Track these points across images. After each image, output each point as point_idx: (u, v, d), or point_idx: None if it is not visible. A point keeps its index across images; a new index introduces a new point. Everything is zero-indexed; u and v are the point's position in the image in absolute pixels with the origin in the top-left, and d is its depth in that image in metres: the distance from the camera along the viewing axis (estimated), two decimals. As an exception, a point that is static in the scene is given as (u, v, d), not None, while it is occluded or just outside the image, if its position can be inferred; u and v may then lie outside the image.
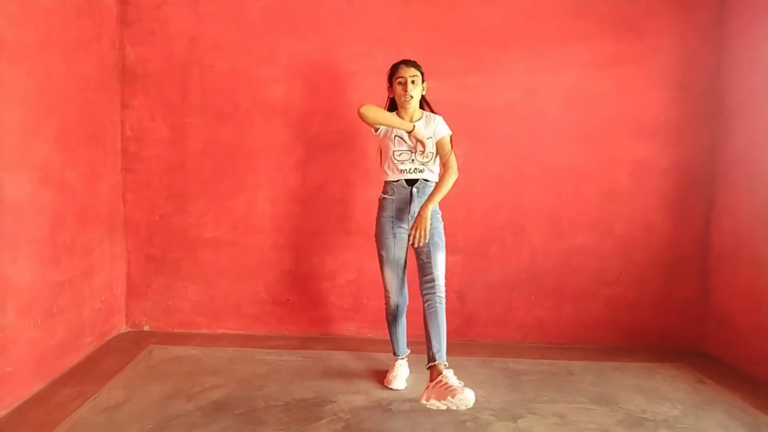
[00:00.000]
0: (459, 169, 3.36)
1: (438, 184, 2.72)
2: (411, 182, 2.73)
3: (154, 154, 3.56)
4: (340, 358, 3.22)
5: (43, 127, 2.74)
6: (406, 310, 2.90)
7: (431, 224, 2.65)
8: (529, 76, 3.48)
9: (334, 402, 2.64)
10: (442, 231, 2.76)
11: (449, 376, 2.41)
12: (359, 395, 2.73)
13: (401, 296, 2.84)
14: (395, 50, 3.13)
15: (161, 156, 3.56)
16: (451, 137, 2.78)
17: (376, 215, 2.83)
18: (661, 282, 3.53)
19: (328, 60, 3.50)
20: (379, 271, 2.84)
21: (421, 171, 2.74)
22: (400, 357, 2.94)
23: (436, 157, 2.76)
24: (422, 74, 2.74)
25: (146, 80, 3.53)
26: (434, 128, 2.76)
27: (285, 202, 3.58)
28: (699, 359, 3.34)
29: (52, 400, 2.58)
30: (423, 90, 2.78)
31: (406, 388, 2.83)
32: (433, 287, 2.63)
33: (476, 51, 3.48)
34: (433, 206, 2.65)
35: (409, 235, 2.68)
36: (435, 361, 2.52)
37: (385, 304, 2.87)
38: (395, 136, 2.74)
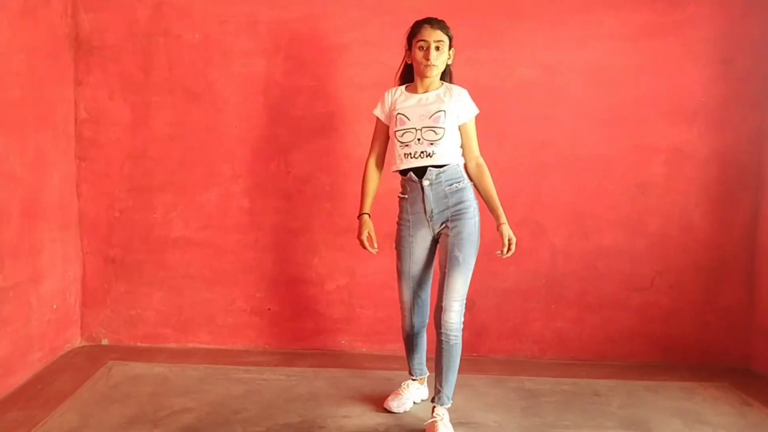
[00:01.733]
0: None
1: (486, 189, 2.64)
2: (420, 172, 2.57)
3: (112, 139, 3.54)
4: (330, 376, 3.21)
5: (-18, 108, 2.72)
6: (425, 329, 2.83)
7: (459, 228, 2.55)
8: (548, 50, 3.47)
9: (323, 427, 2.64)
10: (470, 238, 2.57)
11: (440, 423, 2.52)
12: (352, 419, 2.72)
13: (418, 316, 2.76)
14: (393, 19, 3.12)
15: (121, 141, 3.54)
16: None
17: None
18: (700, 288, 3.54)
19: (314, 30, 3.48)
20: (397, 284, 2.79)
21: (430, 155, 2.55)
22: (413, 377, 2.90)
23: (444, 137, 2.57)
24: (450, 39, 2.61)
25: (103, 53, 3.50)
26: (453, 102, 2.59)
27: (265, 196, 3.56)
28: (744, 377, 3.35)
29: (-7, 426, 2.57)
30: (449, 59, 2.66)
31: (407, 412, 2.81)
32: (440, 320, 2.54)
33: (487, 20, 3.47)
34: (504, 217, 2.62)
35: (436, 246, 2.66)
36: (433, 401, 2.62)
37: (401, 320, 2.82)
38: (397, 114, 2.62)
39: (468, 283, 2.58)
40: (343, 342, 3.63)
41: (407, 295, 2.73)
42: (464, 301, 2.58)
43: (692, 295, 3.54)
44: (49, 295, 3.28)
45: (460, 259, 2.54)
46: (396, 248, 2.74)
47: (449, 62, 2.68)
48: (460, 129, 2.62)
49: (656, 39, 3.44)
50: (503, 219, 2.61)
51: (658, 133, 3.49)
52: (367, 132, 3.37)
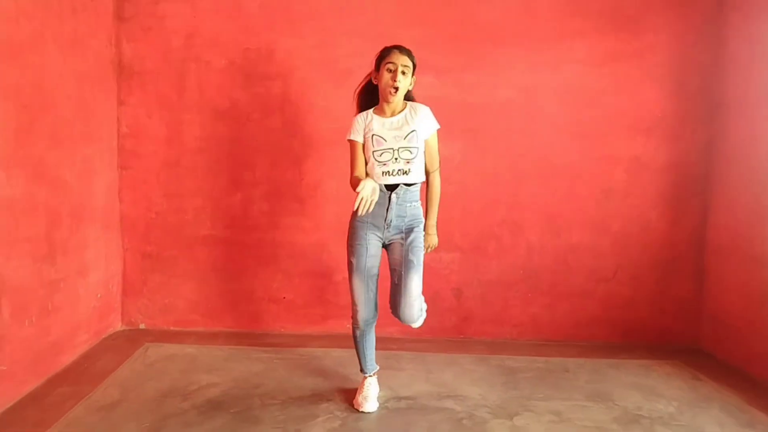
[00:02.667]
0: (455, 167, 3.34)
1: (430, 197, 2.56)
2: (391, 187, 2.45)
3: (150, 151, 3.53)
4: (337, 356, 3.21)
5: (37, 124, 2.71)
6: (375, 324, 2.64)
7: (412, 237, 2.47)
8: (526, 73, 3.47)
9: (331, 400, 2.63)
10: (421, 245, 2.50)
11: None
12: (355, 393, 2.71)
13: (370, 311, 2.55)
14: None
15: (157, 153, 3.53)
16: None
17: (350, 218, 2.58)
18: (656, 279, 3.53)
19: (325, 57, 3.47)
20: (347, 280, 2.58)
21: (405, 173, 2.44)
22: (368, 375, 2.66)
23: (418, 155, 2.46)
24: (414, 66, 2.47)
25: (143, 77, 3.50)
26: (419, 121, 2.47)
27: (282, 199, 3.55)
28: (694, 356, 3.34)
29: (46, 399, 2.56)
30: (410, 84, 2.50)
31: (402, 385, 2.81)
32: (404, 316, 2.47)
33: (473, 48, 3.46)
34: (433, 228, 2.57)
35: (385, 246, 2.54)
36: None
37: (352, 317, 2.60)
38: (373, 135, 2.47)
39: (421, 282, 2.49)
40: (348, 326, 3.58)
41: (361, 290, 2.52)
42: (421, 297, 2.52)
43: (649, 285, 3.53)
44: (94, 285, 3.27)
45: (415, 262, 2.46)
46: (351, 244, 2.53)
47: (410, 87, 2.52)
48: (424, 142, 2.50)
49: (619, 63, 3.44)
50: (431, 230, 2.58)
51: (620, 144, 3.48)
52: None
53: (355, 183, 2.43)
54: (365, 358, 2.66)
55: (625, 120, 3.46)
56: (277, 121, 3.51)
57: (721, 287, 3.34)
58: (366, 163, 2.53)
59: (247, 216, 3.56)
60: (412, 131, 2.45)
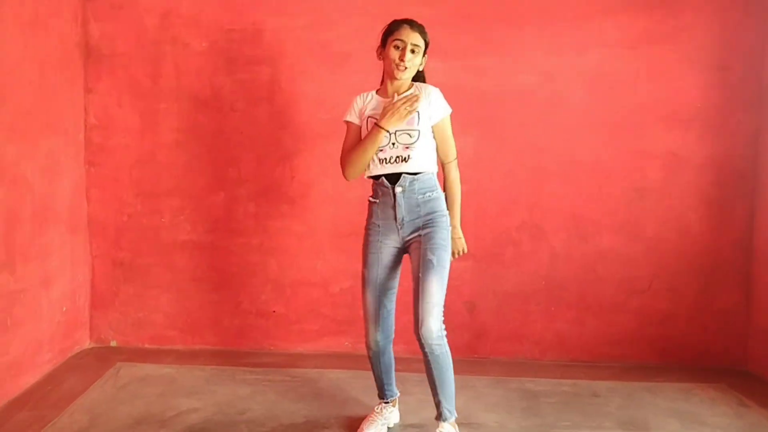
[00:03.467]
0: (467, 164, 3.32)
1: (449, 193, 2.50)
2: (393, 179, 2.41)
3: (121, 144, 3.55)
4: (333, 377, 3.21)
5: (-6, 115, 2.72)
6: (390, 346, 2.60)
7: (431, 232, 2.38)
8: (548, 57, 3.47)
9: (327, 428, 2.64)
10: (443, 243, 2.40)
11: None
12: (356, 421, 2.70)
13: (382, 330, 2.51)
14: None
15: (130, 147, 3.55)
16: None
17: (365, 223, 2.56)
18: (697, 291, 3.52)
19: (318, 38, 3.48)
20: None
21: (405, 160, 2.38)
22: (384, 400, 2.66)
23: (420, 139, 2.39)
24: (427, 45, 2.45)
25: (113, 61, 3.51)
26: (426, 103, 2.41)
27: (270, 200, 3.57)
28: (741, 379, 3.34)
29: (5, 426, 2.56)
30: (421, 65, 2.49)
31: (409, 411, 2.81)
32: (420, 332, 2.30)
33: (487, 28, 3.47)
34: (459, 230, 2.53)
35: (403, 249, 2.47)
36: (437, 419, 2.47)
37: (365, 337, 2.56)
38: (368, 117, 2.45)
39: (444, 289, 2.37)
40: (346, 344, 3.62)
41: (372, 304, 2.50)
42: (442, 308, 2.35)
43: (689, 297, 3.53)
44: (59, 297, 3.29)
45: (434, 262, 2.34)
46: (363, 254, 2.53)
47: (421, 68, 2.51)
48: (433, 130, 2.45)
49: (654, 46, 3.44)
50: (456, 232, 2.53)
51: (655, 138, 3.48)
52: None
53: (358, 144, 2.43)
54: (379, 381, 2.65)
55: (660, 110, 3.47)
56: (265, 112, 3.52)
57: (771, 300, 3.34)
58: None
59: (232, 218, 3.57)
60: (414, 112, 2.39)
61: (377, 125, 2.36)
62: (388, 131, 2.36)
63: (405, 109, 2.34)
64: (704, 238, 3.51)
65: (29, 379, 3.00)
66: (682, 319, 3.54)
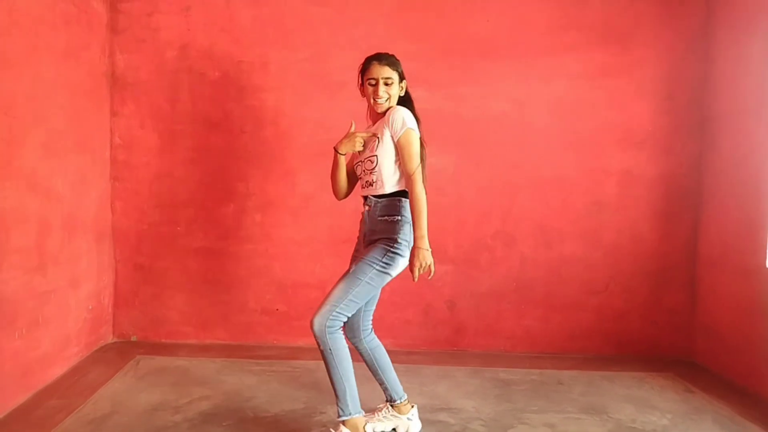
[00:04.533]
0: (449, 179, 3.34)
1: (411, 206, 2.20)
2: (366, 199, 2.35)
3: (143, 162, 3.54)
4: (330, 368, 3.19)
5: (30, 135, 2.71)
6: (362, 342, 2.45)
7: (369, 250, 2.25)
8: (519, 86, 3.50)
9: (324, 413, 2.62)
10: (372, 260, 2.21)
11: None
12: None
13: (348, 330, 2.42)
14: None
15: (150, 164, 3.54)
16: (416, 137, 2.23)
17: None
18: (649, 291, 3.55)
19: (317, 69, 3.50)
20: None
21: (371, 184, 2.29)
22: (391, 403, 2.48)
23: (377, 165, 2.27)
24: (399, 73, 2.32)
25: (136, 88, 3.51)
26: (386, 127, 2.25)
27: (275, 211, 3.56)
28: (687, 368, 3.36)
29: (36, 412, 2.54)
30: (401, 90, 2.36)
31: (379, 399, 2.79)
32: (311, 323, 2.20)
33: (466, 61, 3.50)
34: (421, 241, 2.16)
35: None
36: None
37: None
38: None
39: (348, 294, 2.20)
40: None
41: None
42: (334, 308, 2.20)
43: (641, 297, 3.55)
44: (86, 297, 3.26)
45: (351, 270, 2.25)
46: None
47: (401, 94, 2.36)
48: (398, 146, 2.24)
49: (611, 78, 3.49)
50: (419, 243, 2.17)
51: (612, 157, 3.51)
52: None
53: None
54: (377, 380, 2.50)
55: (616, 133, 3.50)
56: (270, 133, 3.53)
57: (713, 299, 3.37)
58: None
59: (240, 227, 3.56)
60: (374, 137, 2.30)
61: (334, 148, 2.35)
62: (341, 153, 2.35)
63: (358, 139, 2.31)
64: (655, 245, 3.54)
65: (58, 370, 2.97)
66: (636, 316, 3.56)
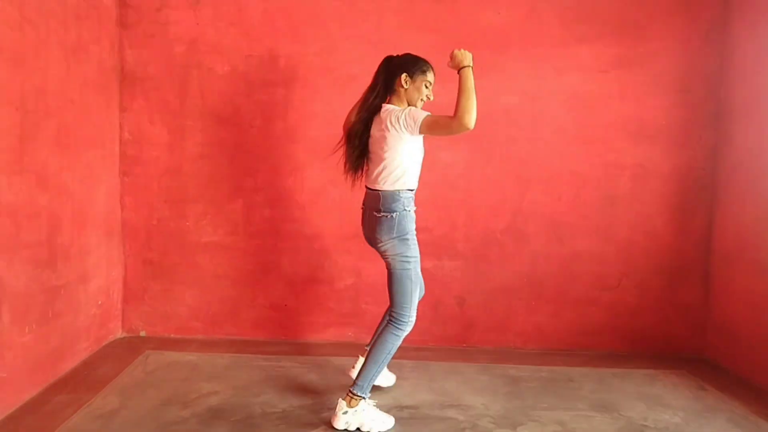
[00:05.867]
0: (460, 174, 3.34)
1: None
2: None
3: (152, 157, 3.56)
4: (338, 364, 3.21)
5: (40, 130, 2.73)
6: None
7: (387, 259, 2.50)
8: (531, 79, 3.48)
9: (332, 408, 2.62)
10: (394, 270, 2.49)
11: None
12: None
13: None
14: (395, 53, 3.12)
15: (159, 159, 3.56)
16: (418, 111, 2.44)
17: (397, 230, 2.46)
18: (662, 288, 3.52)
19: (327, 63, 3.50)
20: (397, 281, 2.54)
21: (368, 177, 2.62)
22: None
23: (373, 158, 2.53)
24: None
25: (145, 83, 3.53)
26: (387, 124, 2.46)
27: (284, 206, 3.57)
28: (700, 366, 3.33)
29: (46, 406, 2.57)
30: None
31: (405, 394, 2.81)
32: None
33: (477, 54, 3.43)
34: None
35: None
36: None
37: (413, 322, 2.58)
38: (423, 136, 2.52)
39: (406, 290, 2.48)
40: (350, 334, 3.62)
41: (416, 294, 2.57)
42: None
43: (655, 293, 3.53)
44: (95, 292, 3.29)
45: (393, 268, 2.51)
46: (413, 255, 2.54)
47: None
48: (424, 131, 2.42)
49: (624, 70, 3.45)
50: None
51: (625, 151, 3.49)
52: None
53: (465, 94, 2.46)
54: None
55: (630, 127, 3.47)
56: (279, 128, 3.54)
57: (728, 295, 3.34)
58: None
59: (249, 223, 3.58)
60: (379, 133, 2.52)
61: (465, 66, 2.49)
62: (471, 66, 2.51)
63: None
64: (668, 240, 3.51)
65: (68, 364, 3.00)
66: (648, 313, 3.53)
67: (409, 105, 2.57)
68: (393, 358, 2.55)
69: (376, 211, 2.48)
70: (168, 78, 3.52)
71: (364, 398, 2.46)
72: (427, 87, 2.59)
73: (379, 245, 2.50)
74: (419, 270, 2.59)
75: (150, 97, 3.53)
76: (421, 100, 2.59)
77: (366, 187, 2.60)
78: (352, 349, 3.44)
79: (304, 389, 2.85)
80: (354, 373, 2.72)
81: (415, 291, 2.50)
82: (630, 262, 3.52)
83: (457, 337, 3.58)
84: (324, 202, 3.55)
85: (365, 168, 2.63)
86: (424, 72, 2.58)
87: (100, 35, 3.30)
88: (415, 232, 2.53)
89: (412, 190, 2.53)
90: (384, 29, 3.45)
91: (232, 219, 3.58)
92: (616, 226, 3.51)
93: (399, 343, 2.48)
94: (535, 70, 3.48)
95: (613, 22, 3.44)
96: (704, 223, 3.49)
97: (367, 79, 3.44)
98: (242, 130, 3.54)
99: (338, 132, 3.47)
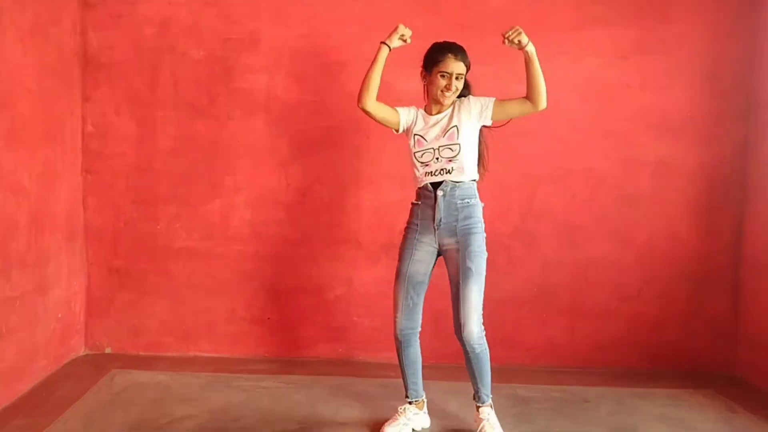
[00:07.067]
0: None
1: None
2: (436, 185, 2.60)
3: (118, 152, 3.54)
4: (329, 384, 3.20)
5: (-9, 123, 2.72)
6: (417, 338, 2.71)
7: (469, 242, 2.56)
8: (542, 66, 3.44)
9: (320, 434, 2.63)
10: (480, 250, 2.59)
11: (487, 424, 2.59)
12: (349, 427, 2.71)
13: (407, 319, 2.65)
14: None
15: (127, 155, 3.54)
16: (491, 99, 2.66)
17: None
18: (687, 298, 3.53)
19: (315, 47, 3.49)
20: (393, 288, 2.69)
21: (449, 172, 2.58)
22: (409, 400, 2.73)
23: (460, 152, 2.58)
24: (468, 67, 2.63)
25: (111, 69, 3.51)
26: (466, 114, 2.61)
27: (266, 207, 3.56)
28: (730, 385, 3.34)
29: (-1, 432, 2.55)
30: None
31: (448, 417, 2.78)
32: (462, 335, 2.55)
33: (481, 37, 3.45)
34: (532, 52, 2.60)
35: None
36: (475, 400, 2.68)
37: (393, 328, 2.69)
38: (414, 135, 2.64)
39: (482, 293, 2.58)
40: (340, 350, 3.61)
41: (400, 295, 2.65)
42: (481, 311, 2.58)
43: (679, 304, 3.54)
44: (55, 304, 3.27)
45: (473, 269, 2.54)
46: (399, 250, 2.69)
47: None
48: (500, 111, 2.66)
49: (645, 56, 3.46)
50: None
51: (646, 146, 3.49)
52: (366, 146, 3.41)
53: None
54: (404, 376, 2.74)
55: (651, 119, 3.48)
56: (261, 120, 3.53)
57: (760, 306, 3.35)
58: (387, 114, 2.66)
59: (227, 226, 3.57)
60: (453, 127, 2.59)
61: (383, 42, 2.59)
62: (390, 47, 2.59)
63: (408, 32, 2.61)
64: (694, 245, 3.52)
65: (24, 385, 2.98)
66: (672, 326, 3.54)
67: (432, 99, 2.66)
68: (392, 378, 2.64)
69: None
70: (136, 64, 3.50)
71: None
72: (443, 77, 2.56)
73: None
74: (400, 267, 2.68)
75: (116, 85, 3.52)
76: (441, 91, 2.57)
77: None
78: (342, 368, 3.44)
79: (289, 413, 2.84)
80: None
81: (396, 286, 2.68)
82: (651, 269, 3.53)
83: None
84: (311, 203, 3.54)
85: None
86: (437, 62, 2.59)
87: (60, 16, 3.28)
88: (414, 225, 2.66)
89: (419, 187, 2.67)
90: (378, 10, 3.43)
91: (208, 222, 3.57)
92: (636, 229, 3.52)
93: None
94: (546, 55, 3.43)
95: (633, 2, 3.44)
96: (733, 226, 3.51)
97: (359, 66, 3.41)
98: (220, 122, 3.53)
99: (326, 124, 3.47)
